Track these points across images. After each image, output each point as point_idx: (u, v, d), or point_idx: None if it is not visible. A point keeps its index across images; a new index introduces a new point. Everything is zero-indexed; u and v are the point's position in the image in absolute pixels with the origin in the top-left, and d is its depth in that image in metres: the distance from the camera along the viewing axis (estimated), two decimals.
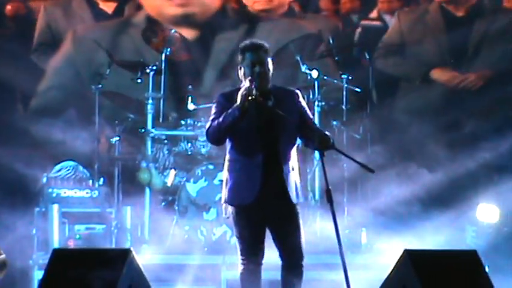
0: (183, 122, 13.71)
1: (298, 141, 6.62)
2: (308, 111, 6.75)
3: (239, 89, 6.31)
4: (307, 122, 6.60)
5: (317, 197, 12.61)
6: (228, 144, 6.61)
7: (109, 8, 15.76)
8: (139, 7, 15.59)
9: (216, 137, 6.40)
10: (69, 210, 12.11)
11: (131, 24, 15.56)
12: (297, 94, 6.72)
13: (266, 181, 6.38)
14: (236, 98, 6.15)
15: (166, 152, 13.35)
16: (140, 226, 12.47)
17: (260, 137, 6.34)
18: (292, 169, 6.61)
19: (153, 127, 13.01)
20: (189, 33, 15.55)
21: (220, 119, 6.26)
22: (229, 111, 6.18)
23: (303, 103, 6.74)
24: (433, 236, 12.20)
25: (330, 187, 5.82)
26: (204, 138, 12.77)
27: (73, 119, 14.54)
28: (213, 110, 6.57)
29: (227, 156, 6.69)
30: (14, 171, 12.84)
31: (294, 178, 6.62)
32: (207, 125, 6.51)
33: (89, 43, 15.22)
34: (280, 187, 6.45)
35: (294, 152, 6.66)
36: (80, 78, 15.14)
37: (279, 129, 6.36)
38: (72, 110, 14.75)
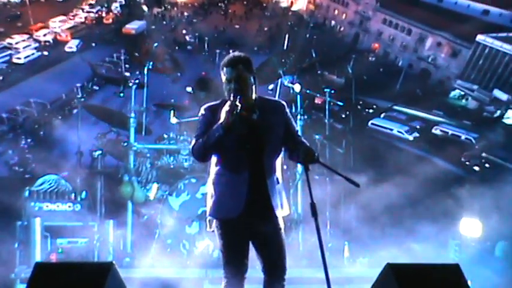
0: (165, 136, 13.73)
1: (282, 153, 6.57)
2: (293, 123, 6.64)
3: (224, 101, 6.26)
4: (292, 134, 6.51)
5: (300, 210, 12.62)
6: (213, 158, 6.52)
7: None
8: None
9: (201, 154, 6.32)
10: (51, 224, 12.07)
11: None
12: (283, 105, 6.62)
13: (252, 195, 6.32)
14: (221, 112, 6.06)
15: (148, 165, 13.35)
16: (123, 240, 12.45)
17: (245, 150, 6.26)
18: (277, 181, 6.56)
19: (135, 141, 13.01)
20: None
21: (205, 137, 6.20)
22: (214, 128, 6.11)
23: (289, 115, 6.66)
24: (416, 249, 12.26)
25: (314, 201, 5.76)
26: (187, 152, 12.85)
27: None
28: (198, 124, 6.47)
29: (212, 170, 6.62)
30: None
31: (279, 191, 6.57)
32: (192, 142, 6.41)
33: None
34: (265, 201, 6.40)
35: (278, 164, 6.60)
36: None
37: (264, 141, 6.30)
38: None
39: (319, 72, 14.46)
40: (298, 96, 13.03)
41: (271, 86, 14.25)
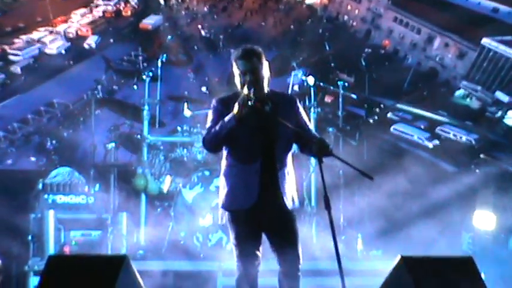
0: (179, 128, 13.72)
1: (294, 147, 6.55)
2: (305, 117, 6.66)
3: (236, 94, 6.27)
4: (304, 128, 6.49)
5: (313, 203, 12.59)
6: (224, 150, 6.52)
7: None
8: None
9: (213, 145, 6.35)
10: (64, 216, 12.10)
11: None
12: (294, 100, 6.64)
13: (263, 187, 6.30)
14: (233, 104, 6.04)
15: (162, 158, 13.34)
16: (136, 232, 12.45)
17: (257, 142, 6.26)
18: (288, 174, 6.54)
19: (149, 133, 13.02)
20: None
21: (217, 128, 6.19)
22: (226, 119, 6.11)
23: (301, 109, 6.66)
24: (429, 242, 12.23)
25: (327, 194, 5.74)
26: (200, 144, 12.76)
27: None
28: (210, 117, 6.47)
29: (224, 162, 6.60)
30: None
31: (289, 183, 6.55)
32: (204, 134, 6.43)
33: None
34: (277, 193, 6.37)
35: (289, 158, 6.59)
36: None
37: (276, 134, 6.29)
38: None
39: (332, 64, 14.43)
40: (312, 89, 13.00)
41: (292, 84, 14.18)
